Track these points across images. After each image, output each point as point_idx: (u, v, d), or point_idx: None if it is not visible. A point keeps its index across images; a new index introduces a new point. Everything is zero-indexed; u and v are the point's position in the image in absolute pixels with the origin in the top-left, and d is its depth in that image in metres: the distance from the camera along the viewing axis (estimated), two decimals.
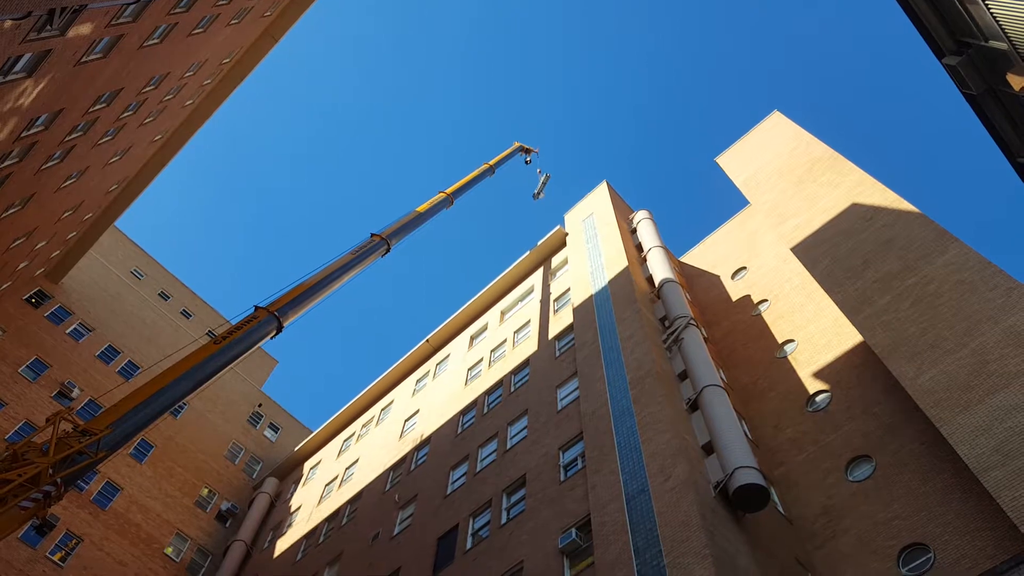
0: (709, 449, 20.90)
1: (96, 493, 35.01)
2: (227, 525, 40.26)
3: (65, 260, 40.74)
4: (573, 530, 20.12)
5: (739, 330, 31.56)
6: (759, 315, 31.28)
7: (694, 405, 22.65)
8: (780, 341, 29.04)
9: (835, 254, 25.76)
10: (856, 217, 26.53)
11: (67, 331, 40.17)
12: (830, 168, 29.85)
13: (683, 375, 24.41)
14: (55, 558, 31.66)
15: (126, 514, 35.59)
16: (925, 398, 19.20)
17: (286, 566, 33.77)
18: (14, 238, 29.28)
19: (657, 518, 18.20)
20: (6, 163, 22.13)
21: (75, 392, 37.38)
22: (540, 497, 22.84)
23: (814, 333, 27.91)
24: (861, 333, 22.55)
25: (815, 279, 26.38)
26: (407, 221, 30.98)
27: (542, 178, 44.21)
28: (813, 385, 26.09)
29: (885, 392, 23.58)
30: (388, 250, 28.97)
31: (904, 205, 25.30)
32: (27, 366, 36.72)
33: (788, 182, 31.19)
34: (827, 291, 24.93)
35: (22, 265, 34.42)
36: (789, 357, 28.02)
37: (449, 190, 35.11)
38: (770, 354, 28.94)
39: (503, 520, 23.50)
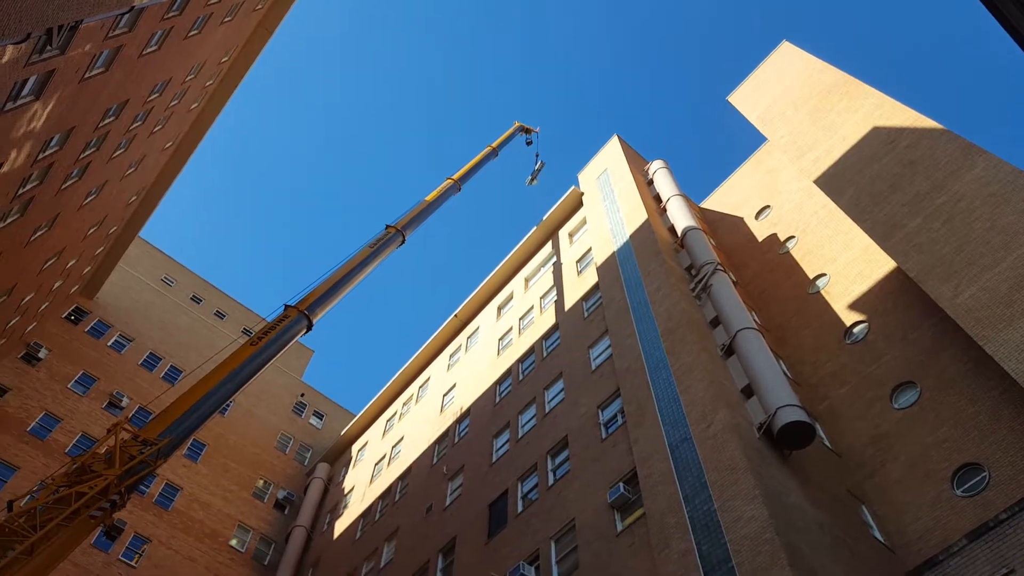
0: (749, 392, 20.85)
1: (157, 495, 36.19)
2: (285, 512, 41.41)
3: (97, 275, 41.57)
4: (620, 484, 20.32)
5: (768, 270, 31.21)
6: (787, 253, 30.87)
7: (729, 350, 22.55)
8: (811, 277, 28.68)
9: (859, 181, 25.21)
10: (878, 141, 25.87)
11: (108, 343, 41.18)
12: (846, 94, 29.06)
13: (715, 322, 24.28)
14: (131, 561, 32.90)
15: (188, 512, 36.78)
16: (966, 317, 18.87)
17: (347, 545, 34.71)
18: (46, 259, 29.93)
19: (703, 465, 18.28)
20: (28, 187, 22.52)
21: (124, 401, 38.44)
22: (584, 456, 23.06)
23: (845, 264, 27.50)
24: (894, 258, 22.16)
25: (841, 209, 25.90)
26: (418, 211, 31.85)
27: (537, 165, 44.23)
28: (849, 317, 25.79)
29: (923, 316, 23.23)
30: (403, 241, 29.98)
31: (927, 123, 24.59)
32: (76, 381, 37.80)
33: (804, 113, 30.47)
34: (855, 220, 24.47)
35: (57, 284, 35.22)
36: (822, 292, 27.68)
37: (456, 176, 35.90)
38: (802, 291, 28.62)
39: (550, 482, 23.81)
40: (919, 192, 22.82)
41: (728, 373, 21.74)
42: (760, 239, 33.09)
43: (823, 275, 28.22)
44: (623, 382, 23.75)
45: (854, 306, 25.92)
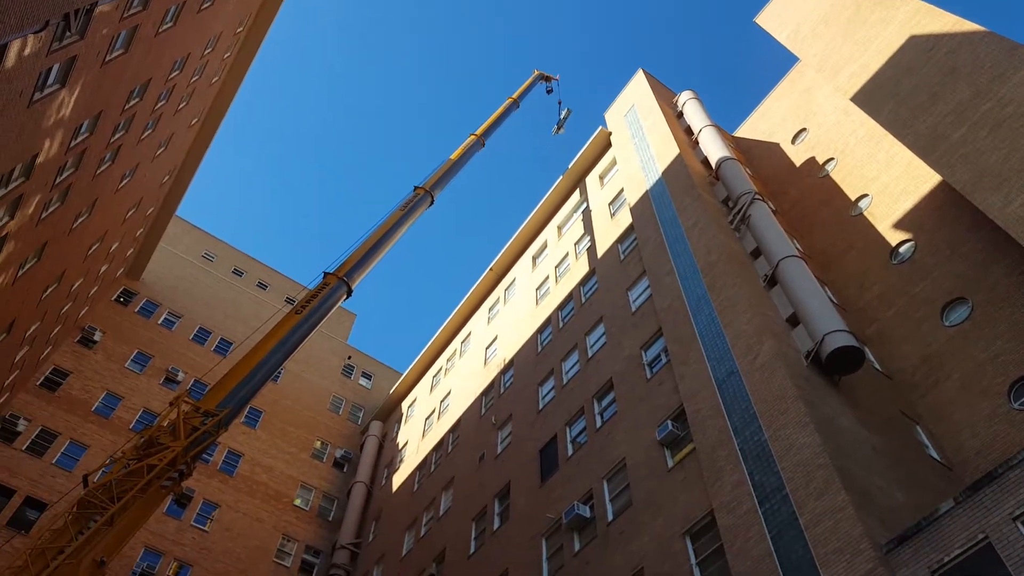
0: (794, 321, 20.60)
1: (221, 462, 37.66)
2: (344, 470, 42.80)
3: (140, 257, 42.58)
4: (668, 422, 20.43)
5: (808, 195, 30.44)
6: (827, 176, 30.02)
7: (772, 280, 22.22)
8: (853, 198, 27.90)
9: (898, 95, 24.21)
10: (915, 51, 24.70)
11: (158, 322, 42.42)
12: (879, 4, 27.69)
13: (756, 253, 23.88)
14: (203, 526, 34.52)
15: (252, 476, 38.26)
16: (1017, 227, 18.20)
17: (406, 497, 35.81)
18: (90, 245, 30.71)
19: (751, 396, 18.23)
20: (65, 175, 22.97)
21: (180, 376, 39.76)
22: (630, 397, 23.18)
23: (888, 183, 26.66)
24: (939, 172, 21.38)
25: (881, 126, 24.97)
26: (444, 170, 31.88)
27: (563, 113, 43.35)
28: (894, 237, 25.12)
29: (972, 229, 22.50)
30: (432, 201, 30.14)
31: (967, 26, 23.35)
32: (132, 360, 39.16)
33: (835, 29, 29.19)
34: (896, 136, 23.60)
35: (103, 269, 36.20)
36: (865, 213, 26.96)
37: (479, 131, 35.79)
38: (844, 214, 27.90)
39: (598, 424, 24.05)
40: (962, 100, 21.83)
41: (772, 303, 21.47)
42: (798, 164, 32.19)
43: (865, 196, 27.43)
44: (664, 321, 23.65)
45: (899, 225, 25.21)
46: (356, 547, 37.09)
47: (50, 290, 28.83)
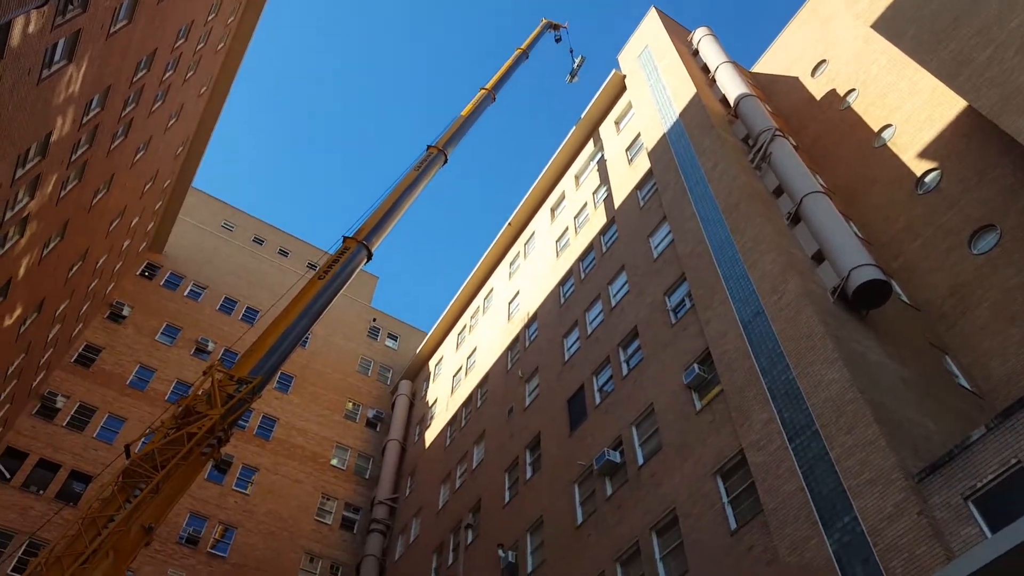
0: (820, 258, 20.34)
1: (257, 428, 38.53)
2: (377, 429, 43.62)
3: (161, 230, 42.95)
4: (695, 365, 20.44)
5: (829, 129, 29.73)
6: (848, 108, 29.24)
7: (795, 218, 21.88)
8: (876, 129, 27.20)
9: (920, 19, 23.34)
10: None
11: (184, 294, 43.00)
12: None
13: (778, 191, 23.48)
14: (244, 490, 35.53)
15: (288, 440, 39.15)
16: None
17: (439, 452, 36.48)
18: (110, 220, 31.00)
19: (778, 336, 18.14)
20: (80, 152, 23.07)
21: (210, 346, 40.45)
22: (655, 343, 23.19)
23: (912, 112, 25.92)
24: (964, 97, 20.72)
25: (903, 52, 24.14)
26: (456, 127, 31.46)
27: (576, 61, 42.44)
28: (919, 166, 24.53)
29: (1000, 153, 21.89)
30: (446, 160, 29.75)
31: None
32: (161, 332, 39.86)
33: None
34: (919, 62, 22.83)
35: (126, 244, 36.59)
36: (888, 144, 26.30)
37: (488, 85, 35.13)
38: (867, 146, 27.25)
39: (624, 372, 24.14)
40: (987, 20, 20.98)
41: (796, 241, 21.19)
42: (818, 97, 31.37)
43: (888, 126, 26.72)
44: (687, 266, 23.47)
45: (924, 154, 24.59)
46: (394, 502, 38.02)
47: (76, 268, 29.26)
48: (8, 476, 30.26)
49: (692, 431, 19.48)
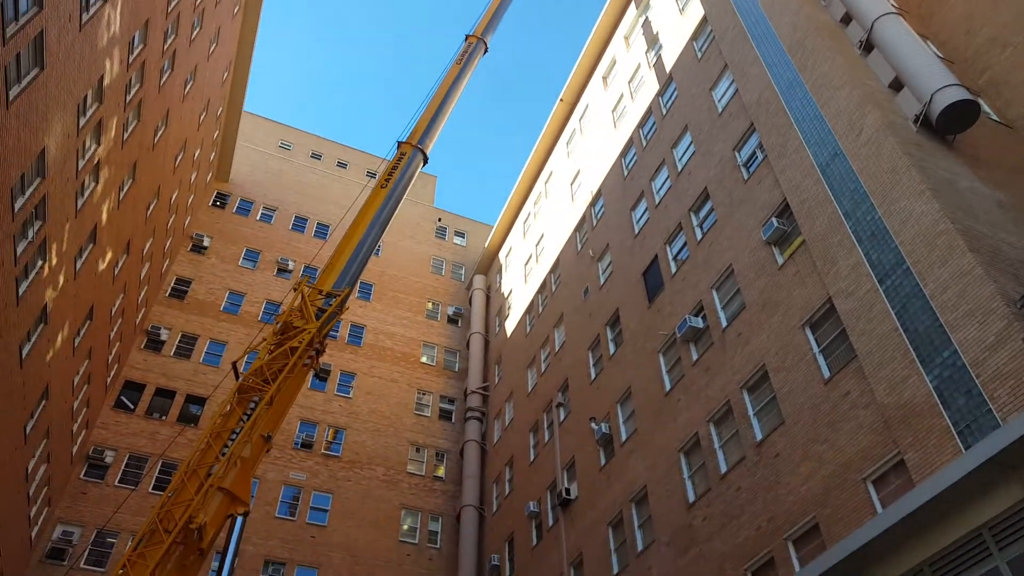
0: (898, 85, 18.96)
1: (348, 336, 40.34)
2: (459, 325, 44.96)
3: (222, 158, 43.78)
4: (772, 219, 19.86)
5: None
6: None
7: (868, 46, 20.28)
8: None
9: None
10: None
11: (256, 218, 44.23)
12: None
13: (846, 18, 21.69)
14: (346, 395, 37.72)
15: (377, 344, 40.93)
16: None
17: (521, 339, 37.43)
18: (174, 156, 31.73)
19: (859, 175, 17.30)
20: (133, 92, 23.38)
21: (291, 265, 41.92)
22: (728, 202, 22.54)
23: None
24: None
25: None
26: (492, 11, 30.55)
27: None
28: None
29: None
30: (487, 48, 29.04)
31: None
32: (243, 258, 41.45)
33: None
34: None
35: (193, 177, 37.57)
36: None
37: None
38: None
39: (698, 237, 23.71)
40: None
41: (871, 71, 19.75)
42: None
43: None
44: (756, 115, 22.36)
45: None
46: (485, 390, 39.64)
47: (152, 206, 30.36)
48: (132, 407, 32.97)
49: (775, 287, 19.18)
